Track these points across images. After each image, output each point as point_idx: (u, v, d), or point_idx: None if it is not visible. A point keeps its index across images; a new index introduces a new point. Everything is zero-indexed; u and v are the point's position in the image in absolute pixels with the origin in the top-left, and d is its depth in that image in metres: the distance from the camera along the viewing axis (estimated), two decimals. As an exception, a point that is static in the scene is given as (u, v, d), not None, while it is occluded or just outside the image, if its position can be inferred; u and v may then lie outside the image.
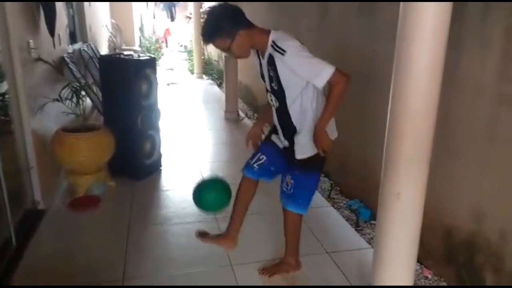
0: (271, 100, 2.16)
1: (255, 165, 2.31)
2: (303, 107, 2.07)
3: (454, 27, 1.80)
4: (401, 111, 1.85)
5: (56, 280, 2.36)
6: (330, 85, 1.94)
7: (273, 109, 2.20)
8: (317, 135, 2.04)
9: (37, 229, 2.91)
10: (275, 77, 2.02)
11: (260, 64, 2.16)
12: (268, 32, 2.00)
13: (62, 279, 2.37)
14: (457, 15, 1.81)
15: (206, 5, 10.15)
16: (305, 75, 1.94)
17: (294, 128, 2.13)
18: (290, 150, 2.19)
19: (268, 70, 2.05)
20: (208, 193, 2.33)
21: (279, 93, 2.07)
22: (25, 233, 2.80)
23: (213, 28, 2.00)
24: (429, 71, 1.77)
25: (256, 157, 2.32)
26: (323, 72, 1.91)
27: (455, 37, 1.96)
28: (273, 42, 1.95)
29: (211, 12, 2.09)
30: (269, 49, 1.98)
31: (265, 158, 2.30)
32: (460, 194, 2.31)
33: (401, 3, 1.76)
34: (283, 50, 1.91)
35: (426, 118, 1.83)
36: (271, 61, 1.99)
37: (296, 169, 2.17)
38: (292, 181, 2.18)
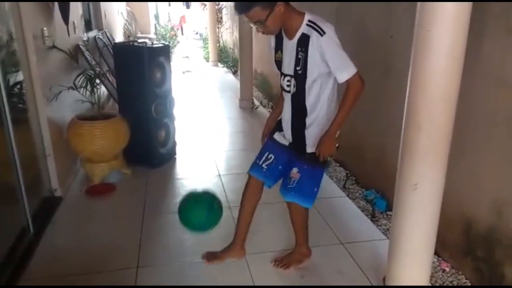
0: (288, 85, 2.08)
1: (263, 165, 2.25)
2: (319, 96, 2.02)
3: (476, 13, 1.71)
4: (419, 99, 1.78)
5: (71, 267, 2.39)
6: (347, 85, 1.91)
7: (288, 96, 2.12)
8: (326, 139, 1.99)
9: (53, 216, 2.96)
10: (303, 60, 1.94)
11: (279, 48, 2.08)
12: (301, 12, 1.95)
13: (77, 266, 2.41)
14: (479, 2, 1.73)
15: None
16: (332, 64, 1.89)
17: (305, 116, 2.07)
18: (297, 144, 2.14)
19: (297, 52, 1.96)
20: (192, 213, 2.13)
21: (301, 77, 1.99)
22: (42, 220, 2.85)
23: None
24: (449, 58, 1.70)
25: (264, 157, 2.26)
26: (348, 69, 1.88)
27: (477, 23, 1.87)
28: (311, 21, 1.90)
29: None
30: (304, 29, 1.91)
31: (273, 157, 2.24)
32: (480, 186, 2.23)
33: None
34: (323, 31, 1.86)
35: (445, 107, 1.77)
36: (303, 42, 1.91)
37: (305, 163, 2.12)
38: (299, 174, 2.11)
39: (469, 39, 1.71)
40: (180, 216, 2.13)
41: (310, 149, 2.09)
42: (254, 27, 1.97)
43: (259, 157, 2.29)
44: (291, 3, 1.97)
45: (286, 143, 2.22)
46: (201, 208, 2.11)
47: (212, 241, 2.64)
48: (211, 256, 2.46)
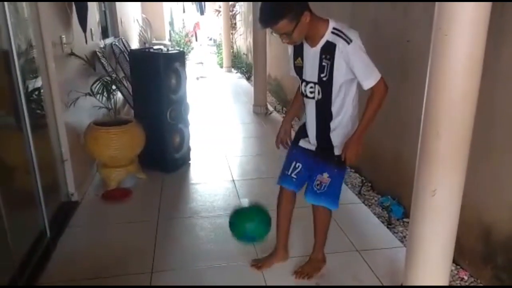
0: (312, 92, 2.05)
1: (293, 174, 2.25)
2: (344, 100, 2.01)
3: (494, 16, 1.68)
4: (438, 104, 1.76)
5: (87, 270, 2.41)
6: (372, 91, 1.91)
7: (311, 102, 2.09)
8: (352, 144, 1.99)
9: (70, 221, 2.99)
10: (328, 67, 1.93)
11: (298, 55, 2.06)
12: (325, 20, 1.93)
13: (93, 269, 2.43)
14: (498, 3, 1.70)
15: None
16: (358, 72, 1.88)
17: (330, 120, 2.06)
18: (324, 148, 2.13)
19: (321, 59, 1.94)
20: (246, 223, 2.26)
21: (327, 84, 1.98)
22: (59, 224, 2.88)
23: (281, 8, 1.82)
24: (468, 62, 1.67)
25: (292, 166, 2.26)
26: (374, 75, 1.88)
27: (496, 27, 1.84)
28: (337, 29, 1.88)
29: None
30: (329, 36, 1.90)
31: (300, 165, 2.24)
32: (501, 190, 2.18)
33: (439, -10, 1.67)
34: (349, 39, 1.85)
35: (464, 112, 1.74)
36: (328, 49, 1.90)
37: (335, 167, 2.12)
38: (330, 179, 2.11)
39: (488, 40, 1.68)
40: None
41: (338, 151, 2.09)
42: (275, 35, 1.95)
43: (287, 167, 2.28)
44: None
45: (312, 148, 2.20)
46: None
47: (225, 245, 2.64)
48: (258, 263, 2.46)
